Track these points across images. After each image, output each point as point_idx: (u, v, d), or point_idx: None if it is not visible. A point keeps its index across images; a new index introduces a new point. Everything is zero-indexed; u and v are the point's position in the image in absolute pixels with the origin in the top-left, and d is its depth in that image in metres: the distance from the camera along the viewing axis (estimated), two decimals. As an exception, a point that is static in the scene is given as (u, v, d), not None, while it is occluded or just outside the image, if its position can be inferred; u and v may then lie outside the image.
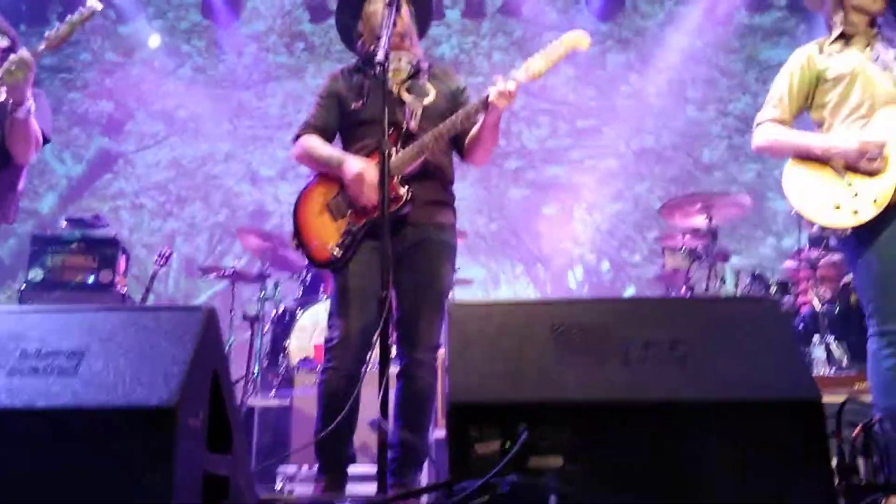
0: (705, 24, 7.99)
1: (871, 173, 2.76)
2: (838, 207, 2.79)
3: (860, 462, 1.98)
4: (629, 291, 7.51)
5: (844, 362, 5.00)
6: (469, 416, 1.64)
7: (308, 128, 3.07)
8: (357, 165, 2.85)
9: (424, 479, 3.46)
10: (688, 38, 8.02)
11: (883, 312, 2.70)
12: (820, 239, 5.55)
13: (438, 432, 3.87)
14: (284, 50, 8.09)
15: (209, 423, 1.67)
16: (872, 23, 3.01)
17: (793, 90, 3.04)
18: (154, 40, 7.97)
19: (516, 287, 7.55)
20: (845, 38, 3.01)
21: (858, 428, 1.90)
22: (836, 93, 2.96)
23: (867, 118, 2.87)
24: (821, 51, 3.04)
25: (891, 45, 2.96)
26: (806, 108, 3.07)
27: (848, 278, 5.67)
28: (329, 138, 3.08)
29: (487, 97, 2.82)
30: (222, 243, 7.67)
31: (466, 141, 3.06)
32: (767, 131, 3.06)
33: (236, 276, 5.65)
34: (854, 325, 5.54)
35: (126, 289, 5.58)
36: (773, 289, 5.41)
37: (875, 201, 2.73)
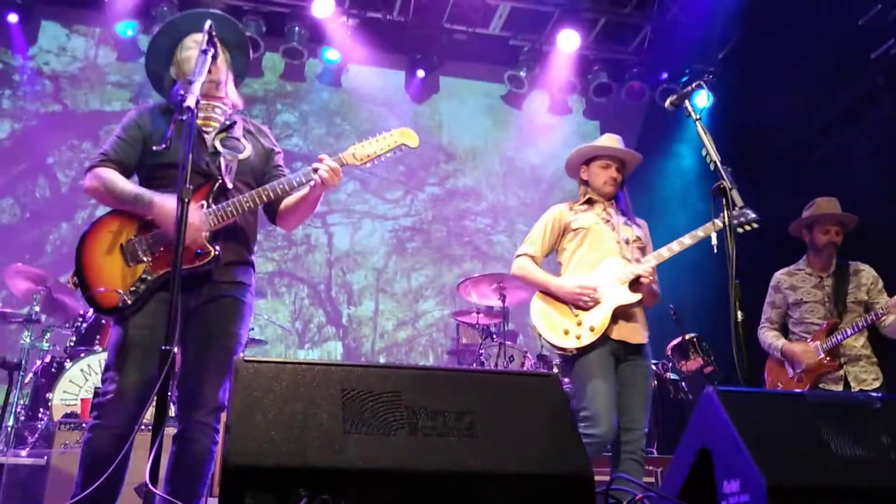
0: (511, 119, 8.54)
1: (587, 309, 3.58)
2: (566, 333, 3.58)
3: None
4: (423, 363, 7.62)
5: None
6: (246, 479, 1.55)
7: (106, 160, 2.85)
8: (171, 203, 2.66)
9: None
10: (495, 129, 8.55)
11: (587, 419, 3.39)
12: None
13: (212, 501, 3.63)
14: (85, 84, 7.62)
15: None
16: (610, 198, 3.89)
17: (545, 236, 3.87)
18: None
19: (312, 350, 7.42)
20: (590, 202, 3.89)
21: (623, 504, 2.01)
22: (574, 242, 3.81)
23: (595, 264, 3.68)
24: (570, 209, 3.90)
25: (623, 213, 3.89)
26: (554, 249, 3.90)
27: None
28: (127, 175, 2.88)
29: (314, 172, 2.82)
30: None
31: (281, 208, 3.02)
32: (522, 264, 3.85)
33: (-3, 318, 5.09)
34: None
35: None
36: (555, 369, 5.72)
37: (592, 329, 3.53)
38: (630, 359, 3.58)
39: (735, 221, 3.36)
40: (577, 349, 3.52)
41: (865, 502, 1.68)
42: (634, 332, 3.61)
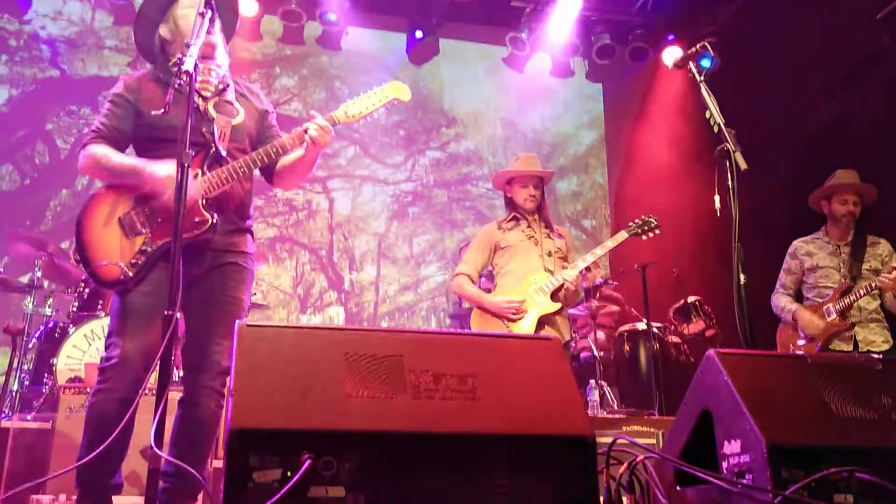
0: (513, 81, 8.45)
1: (515, 321, 4.11)
2: None
3: (624, 498, 2.12)
4: (425, 327, 7.65)
5: (615, 405, 5.38)
6: (250, 442, 1.56)
7: (98, 136, 2.82)
8: (168, 168, 2.65)
9: (198, 512, 3.25)
10: (496, 92, 8.47)
11: None
12: (595, 289, 5.99)
13: (217, 463, 3.67)
14: (82, 49, 7.54)
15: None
16: (534, 211, 4.38)
17: (479, 255, 4.41)
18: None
19: (314, 316, 7.45)
20: (516, 219, 4.40)
21: (624, 466, 2.03)
22: (503, 259, 4.33)
23: (521, 278, 4.20)
24: (499, 227, 4.41)
25: (546, 226, 4.39)
26: (488, 265, 4.42)
27: (623, 328, 6.14)
28: (121, 148, 2.85)
29: (305, 132, 2.80)
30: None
31: (278, 168, 3.00)
32: (460, 282, 4.38)
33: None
34: (625, 373, 6.00)
35: None
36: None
37: None
38: None
39: (638, 229, 4.32)
40: None
41: (866, 462, 1.69)
42: (556, 336, 4.00)
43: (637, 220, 4.40)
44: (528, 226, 4.40)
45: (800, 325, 4.60)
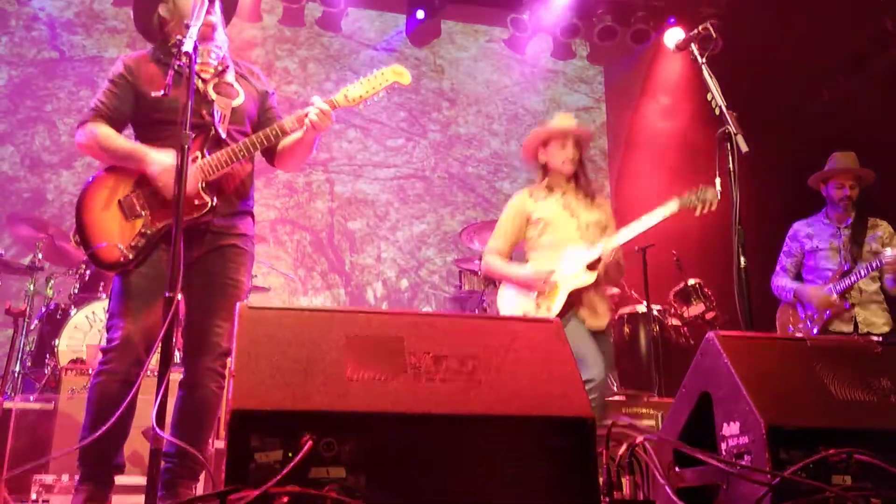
0: (514, 64, 8.42)
1: (545, 293, 3.70)
2: (526, 315, 3.65)
3: (623, 479, 2.13)
4: (426, 310, 7.65)
5: (615, 388, 5.40)
6: (251, 423, 1.57)
7: (97, 115, 2.82)
8: (168, 158, 2.66)
9: (200, 492, 3.27)
10: (497, 74, 8.41)
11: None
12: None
13: (219, 443, 3.70)
14: (81, 30, 7.49)
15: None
16: (570, 177, 3.91)
17: (510, 228, 3.96)
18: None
19: (314, 299, 7.46)
20: (550, 188, 3.91)
21: (624, 447, 2.03)
22: (535, 232, 3.89)
23: (557, 252, 3.77)
24: (531, 195, 3.95)
25: (586, 195, 3.91)
26: (521, 239, 3.97)
27: (622, 311, 6.15)
28: (119, 128, 2.85)
29: (306, 116, 2.79)
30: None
31: (279, 149, 3.00)
32: (489, 260, 3.97)
33: (1, 267, 5.10)
34: (625, 355, 6.01)
35: None
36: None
37: (548, 310, 3.64)
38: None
39: (692, 201, 3.62)
40: None
41: (864, 444, 1.70)
42: (593, 317, 3.72)
43: (693, 191, 3.66)
44: (564, 194, 3.91)
45: (805, 299, 4.60)
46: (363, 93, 2.93)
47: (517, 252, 4.09)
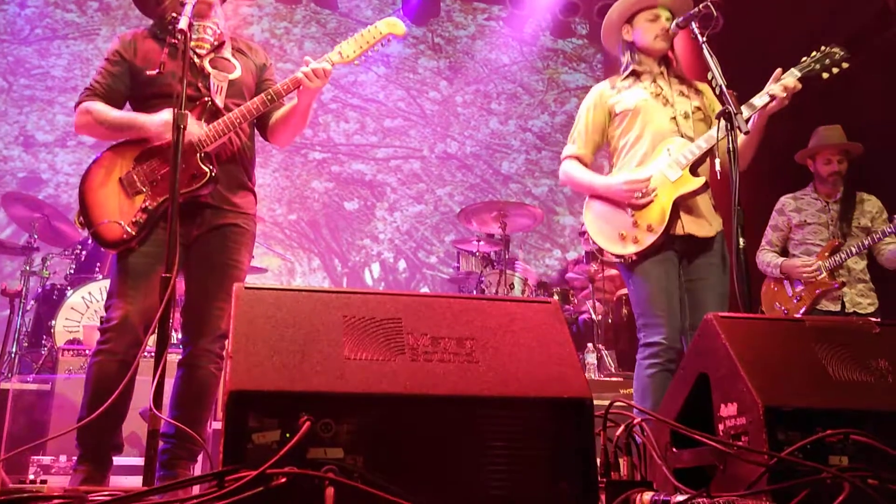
0: (512, 42, 8.37)
1: (642, 207, 3.11)
2: (623, 237, 3.14)
3: (621, 460, 2.13)
4: (424, 291, 7.66)
5: (613, 368, 5.41)
6: (249, 404, 1.56)
7: (92, 94, 2.83)
8: (165, 114, 2.67)
9: (199, 472, 3.28)
10: (496, 53, 8.36)
11: (647, 326, 3.10)
12: (595, 254, 5.99)
13: (217, 424, 3.70)
14: (74, 7, 7.42)
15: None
16: (661, 61, 3.34)
17: (588, 127, 3.35)
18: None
19: (311, 280, 7.45)
20: (636, 74, 3.32)
21: (621, 428, 2.04)
22: (621, 128, 3.30)
23: (649, 150, 3.19)
24: (612, 86, 3.34)
25: (681, 80, 3.31)
26: (606, 142, 3.39)
27: (621, 292, 6.16)
28: (117, 106, 2.86)
29: (298, 77, 2.77)
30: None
31: (272, 121, 2.99)
32: (566, 168, 3.38)
33: (-3, 247, 5.09)
34: (623, 336, 6.03)
35: None
36: (555, 297, 5.75)
37: (650, 229, 3.09)
38: (701, 255, 3.15)
39: (813, 66, 3.05)
40: (637, 254, 3.09)
41: (862, 424, 1.70)
42: (701, 225, 3.15)
43: (813, 55, 3.10)
44: (654, 81, 3.27)
45: (789, 275, 4.55)
46: (357, 48, 2.87)
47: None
